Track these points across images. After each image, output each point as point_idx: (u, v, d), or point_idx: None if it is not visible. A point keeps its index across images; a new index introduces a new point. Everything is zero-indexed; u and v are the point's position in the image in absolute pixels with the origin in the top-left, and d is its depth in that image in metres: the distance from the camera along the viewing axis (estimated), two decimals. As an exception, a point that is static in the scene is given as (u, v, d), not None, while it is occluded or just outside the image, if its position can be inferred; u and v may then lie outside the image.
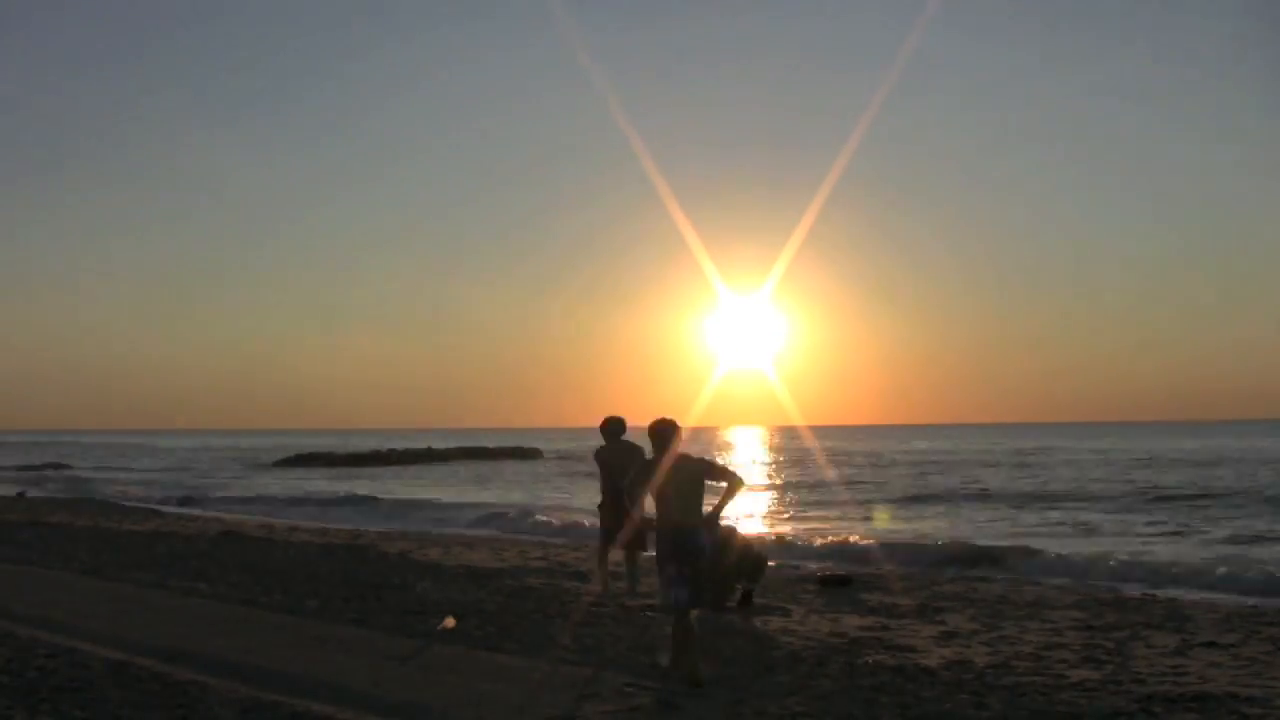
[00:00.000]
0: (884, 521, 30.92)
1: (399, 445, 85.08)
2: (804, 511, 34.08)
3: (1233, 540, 23.43)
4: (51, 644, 10.00)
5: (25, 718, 7.43)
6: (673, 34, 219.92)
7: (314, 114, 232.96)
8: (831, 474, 55.35)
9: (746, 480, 9.90)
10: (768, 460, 75.96)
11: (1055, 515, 30.32)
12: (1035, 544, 21.42)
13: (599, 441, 13.61)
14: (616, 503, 12.27)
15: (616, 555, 19.74)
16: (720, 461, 9.35)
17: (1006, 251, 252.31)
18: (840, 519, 30.98)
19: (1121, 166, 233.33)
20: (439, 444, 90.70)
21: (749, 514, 31.42)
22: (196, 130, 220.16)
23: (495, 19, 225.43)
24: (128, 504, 36.53)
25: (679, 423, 8.63)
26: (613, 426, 13.25)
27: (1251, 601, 14.25)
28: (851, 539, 22.60)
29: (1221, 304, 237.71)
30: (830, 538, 22.71)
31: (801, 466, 65.47)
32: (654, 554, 8.67)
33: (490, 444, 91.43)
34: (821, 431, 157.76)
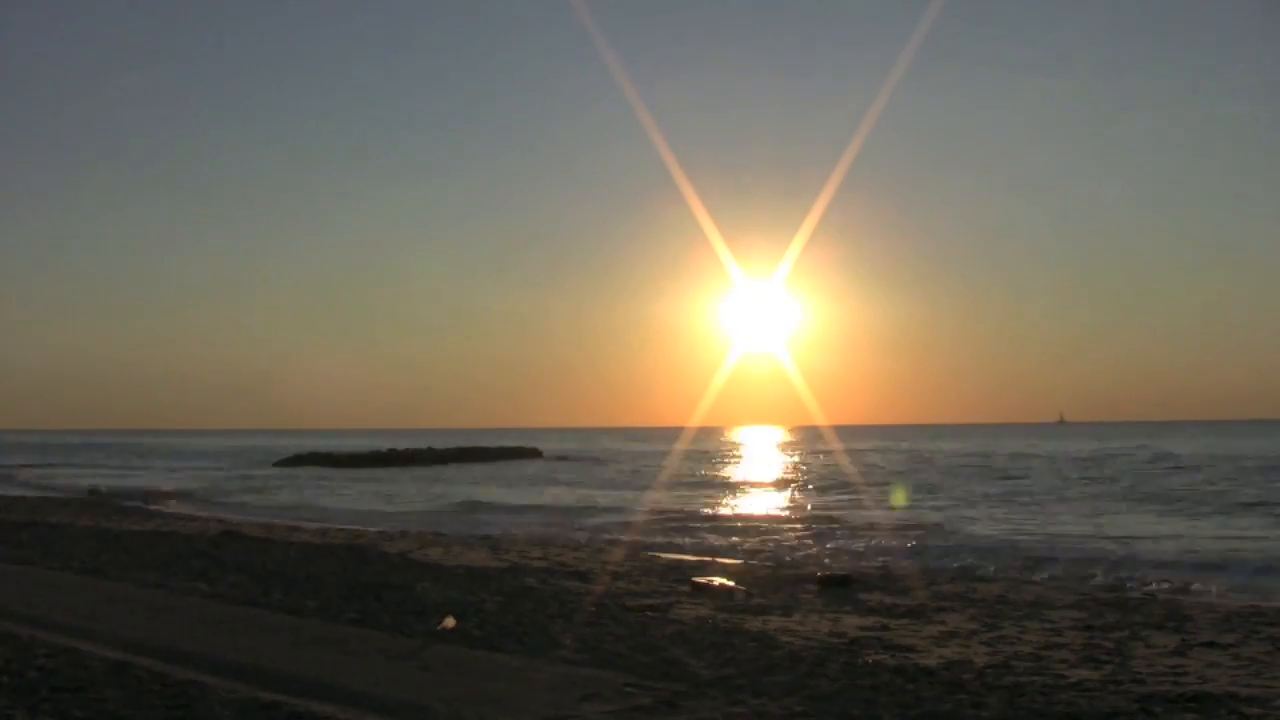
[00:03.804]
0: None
1: (399, 445, 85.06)
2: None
3: None
4: (51, 644, 10.00)
5: (25, 718, 7.42)
6: (691, 30, 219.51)
7: (317, 113, 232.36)
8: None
9: None
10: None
11: None
12: None
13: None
14: None
15: (617, 555, 19.81)
16: None
17: (1018, 245, 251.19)
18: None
19: (1140, 158, 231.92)
20: (439, 444, 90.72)
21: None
22: (204, 130, 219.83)
23: (512, 13, 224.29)
24: (128, 504, 36.53)
25: None
26: None
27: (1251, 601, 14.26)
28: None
29: (1236, 302, 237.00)
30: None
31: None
32: None
33: (490, 444, 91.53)
34: (844, 432, 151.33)
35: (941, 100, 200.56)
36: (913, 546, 22.38)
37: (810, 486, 45.98)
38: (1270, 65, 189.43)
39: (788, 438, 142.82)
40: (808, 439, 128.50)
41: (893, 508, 34.05)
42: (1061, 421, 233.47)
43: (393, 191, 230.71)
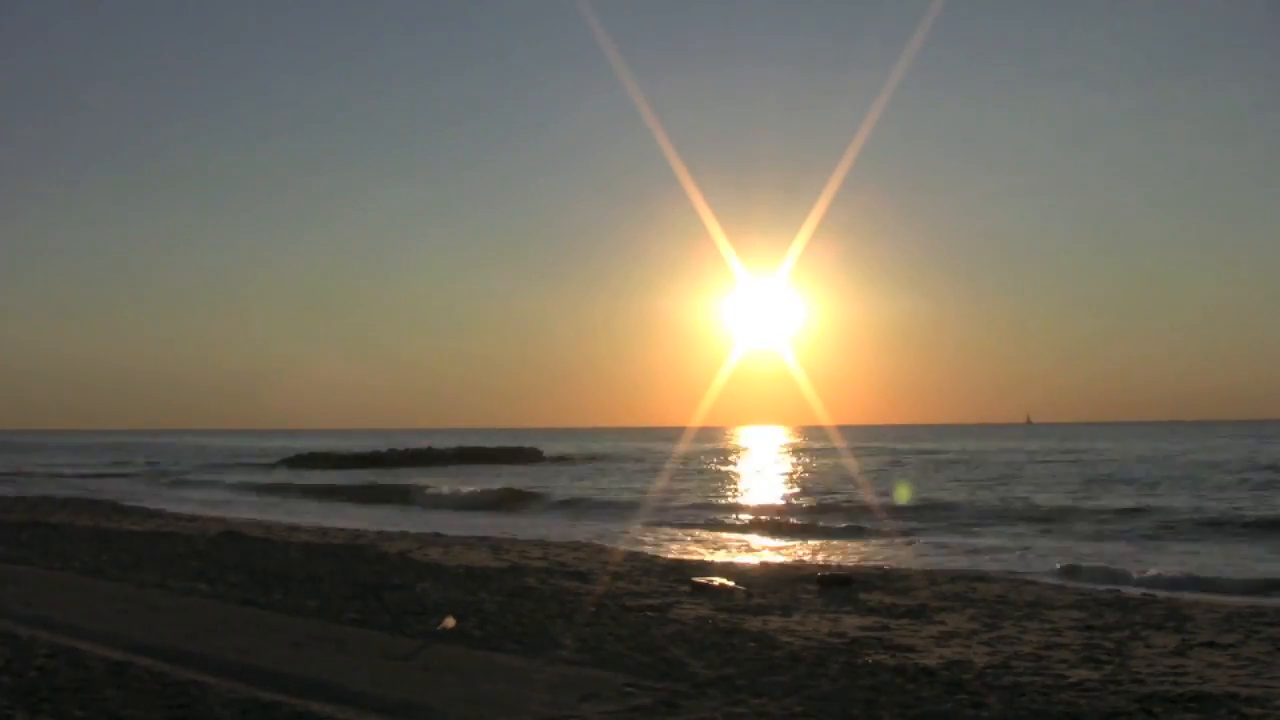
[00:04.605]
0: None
1: (398, 446, 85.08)
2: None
3: None
4: (51, 644, 10.01)
5: (26, 718, 7.43)
6: (694, 30, 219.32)
7: (317, 113, 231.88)
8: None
9: None
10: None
11: None
12: None
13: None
14: None
15: (617, 555, 19.81)
16: None
17: (1011, 246, 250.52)
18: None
19: (1143, 163, 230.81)
20: (439, 444, 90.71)
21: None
22: (205, 129, 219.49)
23: (515, 12, 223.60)
24: (128, 504, 36.53)
25: None
26: None
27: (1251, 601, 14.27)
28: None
29: (1245, 303, 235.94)
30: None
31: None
32: None
33: (491, 444, 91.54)
34: (850, 432, 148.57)
35: (942, 100, 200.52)
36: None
37: (813, 485, 45.99)
38: (1271, 67, 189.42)
39: (792, 438, 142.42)
40: (812, 439, 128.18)
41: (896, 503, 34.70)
42: (1029, 423, 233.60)
43: (394, 191, 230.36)
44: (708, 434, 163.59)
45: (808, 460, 72.97)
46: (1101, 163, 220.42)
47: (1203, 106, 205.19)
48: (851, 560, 20.06)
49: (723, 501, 38.60)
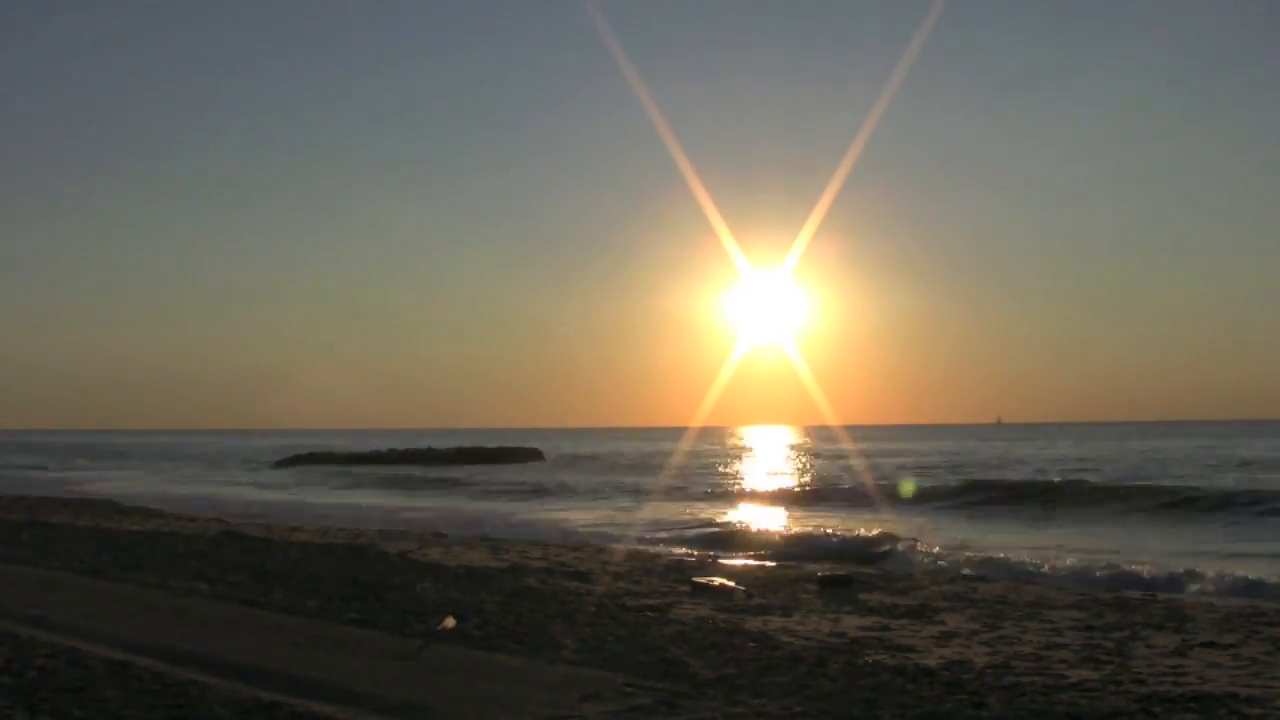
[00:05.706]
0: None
1: (398, 446, 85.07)
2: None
3: None
4: (51, 644, 10.00)
5: (25, 718, 7.43)
6: (703, 38, 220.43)
7: (316, 114, 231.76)
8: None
9: None
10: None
11: None
12: None
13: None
14: None
15: (617, 555, 19.80)
16: None
17: (1004, 246, 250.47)
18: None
19: (1139, 167, 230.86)
20: (439, 444, 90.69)
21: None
22: (206, 126, 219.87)
23: (531, 26, 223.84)
24: (127, 504, 36.52)
25: None
26: None
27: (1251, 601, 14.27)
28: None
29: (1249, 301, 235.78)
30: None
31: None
32: None
33: (494, 444, 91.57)
34: (857, 432, 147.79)
35: (936, 110, 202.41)
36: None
37: (815, 486, 45.97)
38: (1267, 72, 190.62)
39: (797, 438, 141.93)
40: (814, 439, 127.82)
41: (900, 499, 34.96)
42: (999, 423, 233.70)
43: (405, 198, 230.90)
44: (712, 434, 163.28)
45: (810, 460, 72.97)
46: (1086, 171, 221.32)
47: (1185, 120, 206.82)
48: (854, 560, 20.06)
49: (722, 502, 38.60)
